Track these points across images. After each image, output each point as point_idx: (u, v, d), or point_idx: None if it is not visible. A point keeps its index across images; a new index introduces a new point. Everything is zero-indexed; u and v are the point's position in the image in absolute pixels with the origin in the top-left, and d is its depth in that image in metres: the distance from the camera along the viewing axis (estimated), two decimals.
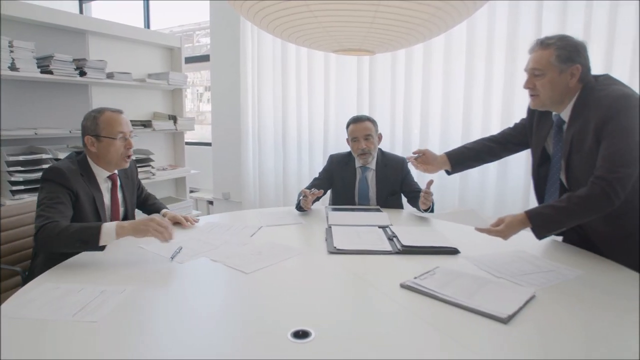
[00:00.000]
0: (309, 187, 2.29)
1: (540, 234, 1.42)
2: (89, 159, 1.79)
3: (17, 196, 2.61)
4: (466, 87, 2.99)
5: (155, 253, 1.58)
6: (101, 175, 1.81)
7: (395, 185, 2.40)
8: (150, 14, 4.88)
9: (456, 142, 3.06)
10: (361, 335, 1.03)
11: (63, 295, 1.21)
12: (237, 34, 3.91)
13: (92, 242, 1.47)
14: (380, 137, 2.44)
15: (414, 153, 1.90)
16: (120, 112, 1.81)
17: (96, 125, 1.74)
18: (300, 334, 1.01)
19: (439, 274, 1.36)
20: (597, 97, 1.42)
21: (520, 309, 1.13)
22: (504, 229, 1.42)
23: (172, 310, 1.16)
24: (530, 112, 1.73)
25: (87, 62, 2.93)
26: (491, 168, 2.90)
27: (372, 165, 2.41)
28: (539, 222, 1.40)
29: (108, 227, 1.48)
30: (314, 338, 1.00)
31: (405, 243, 1.65)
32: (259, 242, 1.75)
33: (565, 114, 1.52)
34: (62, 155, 2.78)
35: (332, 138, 3.57)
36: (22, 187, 2.64)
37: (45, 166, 2.70)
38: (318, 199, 2.40)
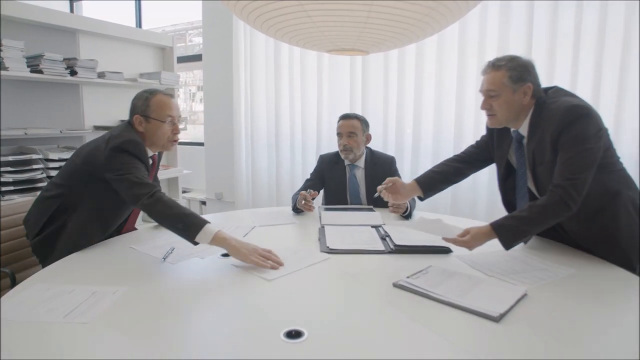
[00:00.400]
0: (303, 189, 2.29)
1: (507, 245, 1.45)
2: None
3: (6, 197, 2.58)
4: (458, 87, 3.01)
5: (147, 254, 1.57)
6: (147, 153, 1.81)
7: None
8: (142, 13, 4.84)
9: (448, 141, 3.08)
10: (354, 335, 1.03)
11: (54, 297, 1.20)
12: (229, 33, 3.90)
13: (191, 232, 1.48)
14: (369, 137, 2.45)
15: (384, 183, 1.88)
16: (172, 96, 1.80)
17: (147, 106, 1.74)
18: (293, 334, 1.01)
19: (432, 273, 1.36)
20: (549, 110, 1.50)
21: (512, 307, 1.14)
22: (469, 239, 1.46)
23: (165, 311, 1.16)
24: (489, 129, 1.79)
25: (77, 62, 2.91)
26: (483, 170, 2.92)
27: (361, 163, 2.43)
28: (503, 233, 1.45)
29: (210, 228, 1.49)
30: (306, 338, 1.00)
31: (397, 242, 1.66)
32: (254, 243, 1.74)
33: (523, 129, 1.59)
34: (52, 156, 2.75)
35: (325, 137, 3.58)
36: (11, 188, 2.61)
37: (35, 166, 2.67)
38: (313, 199, 2.41)
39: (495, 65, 1.56)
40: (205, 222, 1.50)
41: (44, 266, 1.65)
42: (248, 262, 1.45)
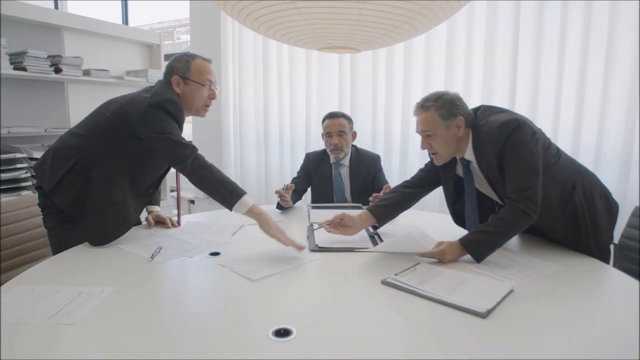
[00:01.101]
0: None
1: (478, 258, 1.47)
2: None
3: None
4: (446, 86, 3.03)
5: (134, 253, 1.56)
6: None
7: (367, 182, 2.42)
8: (128, 10, 4.79)
9: None
10: (342, 333, 1.03)
11: (38, 298, 1.18)
12: (217, 31, 3.87)
13: (231, 199, 1.55)
14: (354, 134, 2.47)
15: (328, 221, 1.74)
16: (210, 61, 1.80)
17: (187, 68, 1.73)
18: (282, 333, 1.01)
19: (420, 271, 1.37)
20: (483, 133, 1.57)
21: (499, 303, 1.15)
22: (445, 249, 1.47)
23: (152, 311, 1.15)
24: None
25: (62, 59, 2.86)
26: None
27: (346, 162, 2.44)
28: (473, 248, 1.47)
29: (247, 200, 1.57)
30: (295, 336, 1.00)
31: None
32: (243, 242, 1.74)
33: (469, 155, 1.63)
34: (37, 155, 2.71)
35: (314, 135, 3.57)
36: None
37: (19, 165, 2.63)
38: (300, 196, 2.41)
39: (424, 107, 1.62)
40: (243, 192, 1.58)
41: (76, 231, 1.65)
42: (273, 237, 1.55)
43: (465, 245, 1.48)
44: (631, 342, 0.99)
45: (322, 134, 2.49)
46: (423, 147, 1.67)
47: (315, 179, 2.48)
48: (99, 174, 1.64)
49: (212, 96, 1.80)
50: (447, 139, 1.60)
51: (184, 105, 1.75)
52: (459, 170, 1.72)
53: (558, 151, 1.64)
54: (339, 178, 2.43)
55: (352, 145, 2.49)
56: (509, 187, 1.51)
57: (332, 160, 2.45)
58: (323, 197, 2.45)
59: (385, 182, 2.41)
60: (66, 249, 1.61)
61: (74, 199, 1.64)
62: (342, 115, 2.43)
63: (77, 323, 1.05)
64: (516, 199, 1.47)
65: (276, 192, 2.19)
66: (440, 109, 1.58)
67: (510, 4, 2.77)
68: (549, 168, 1.55)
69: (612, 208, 1.65)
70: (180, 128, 1.70)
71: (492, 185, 1.61)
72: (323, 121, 2.47)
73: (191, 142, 1.64)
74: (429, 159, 1.97)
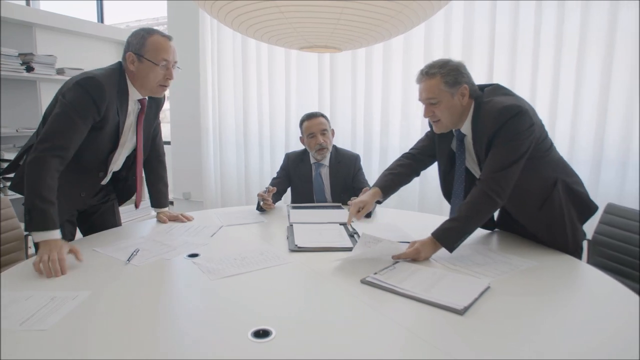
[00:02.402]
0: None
1: (450, 248, 1.49)
2: (126, 77, 1.68)
3: None
4: None
5: (110, 256, 1.53)
6: (133, 96, 1.71)
7: (347, 181, 2.43)
8: (104, 8, 4.69)
9: (415, 139, 3.10)
10: (322, 333, 1.03)
11: (9, 303, 1.15)
12: (196, 29, 3.83)
13: (29, 225, 1.44)
14: (333, 132, 2.47)
15: (352, 210, 1.80)
16: (170, 38, 1.69)
17: (142, 45, 1.63)
18: (261, 334, 1.00)
19: (398, 269, 1.38)
20: (484, 111, 1.56)
21: (476, 300, 1.17)
22: (419, 247, 1.47)
23: (128, 315, 1.12)
24: (431, 128, 1.83)
25: (34, 57, 2.79)
26: None
27: (326, 162, 2.44)
28: (444, 238, 1.48)
29: (45, 235, 1.43)
30: (274, 337, 0.99)
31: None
32: (222, 243, 1.72)
33: (465, 129, 1.64)
34: (8, 156, 2.64)
35: (294, 135, 3.57)
36: None
37: None
38: (280, 197, 2.40)
39: (428, 74, 1.59)
40: (50, 223, 1.44)
41: None
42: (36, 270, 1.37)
43: (437, 236, 1.48)
44: (606, 336, 1.01)
45: (302, 137, 2.46)
46: (426, 115, 1.65)
47: (295, 179, 2.47)
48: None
49: (168, 76, 1.70)
50: (452, 107, 1.58)
51: (138, 84, 1.69)
52: (454, 145, 1.73)
53: (551, 147, 1.64)
54: (319, 178, 2.43)
55: (332, 145, 2.49)
56: (484, 168, 1.52)
57: (312, 160, 2.45)
58: (303, 197, 2.44)
59: (365, 181, 2.42)
60: None
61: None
62: (321, 115, 2.44)
63: (50, 329, 1.03)
64: (483, 181, 1.49)
65: (258, 195, 2.18)
66: (446, 76, 1.56)
67: (487, 4, 2.82)
68: (535, 160, 1.55)
69: (589, 209, 1.66)
70: (99, 111, 1.57)
71: (479, 163, 1.61)
72: (301, 123, 2.44)
73: (56, 148, 1.50)
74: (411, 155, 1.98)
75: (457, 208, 1.53)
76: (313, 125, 2.39)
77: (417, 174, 1.94)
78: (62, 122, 1.53)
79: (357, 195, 2.20)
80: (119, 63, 1.70)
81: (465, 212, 1.49)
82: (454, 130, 1.69)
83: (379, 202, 1.92)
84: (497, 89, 1.63)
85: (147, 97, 1.78)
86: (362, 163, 2.53)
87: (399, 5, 1.44)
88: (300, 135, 2.47)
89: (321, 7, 1.40)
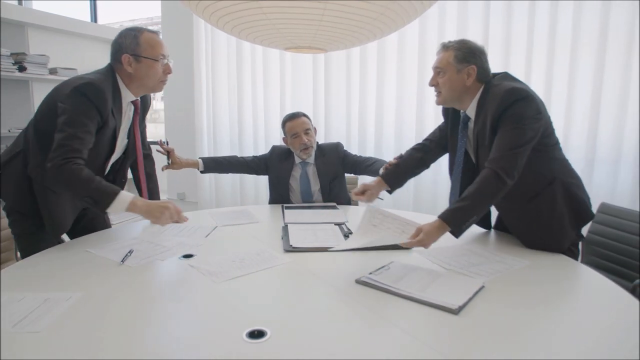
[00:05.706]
0: (246, 160, 2.50)
1: (457, 230, 1.46)
2: (118, 79, 1.66)
3: None
4: (419, 86, 3.07)
5: (104, 257, 1.52)
6: (126, 98, 1.69)
7: (336, 167, 2.41)
8: (97, 7, 4.66)
9: (410, 139, 3.13)
10: (317, 333, 1.03)
11: (1, 305, 1.13)
12: (190, 29, 3.82)
13: (101, 205, 1.45)
14: (315, 130, 2.46)
15: (355, 192, 1.90)
16: (158, 33, 1.69)
17: (137, 44, 1.61)
18: (256, 334, 1.00)
19: (393, 269, 1.38)
20: (491, 94, 1.56)
21: (470, 299, 1.17)
22: (423, 237, 1.42)
23: (122, 316, 1.12)
24: (445, 115, 1.85)
25: (27, 57, 2.77)
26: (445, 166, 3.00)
27: (311, 160, 2.42)
28: (453, 220, 1.44)
29: (123, 197, 1.46)
30: (269, 337, 0.99)
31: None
32: (217, 243, 1.72)
33: (470, 111, 1.65)
34: None
35: None
36: None
37: None
38: (236, 170, 2.54)
39: (445, 46, 1.65)
40: (116, 191, 1.47)
41: (42, 234, 1.63)
42: (161, 224, 1.52)
43: (443, 217, 1.44)
44: (600, 335, 1.02)
45: (285, 138, 2.43)
46: (430, 83, 1.69)
47: (273, 172, 2.45)
48: (35, 164, 1.58)
49: (167, 71, 1.70)
50: (453, 82, 1.60)
51: (137, 84, 1.68)
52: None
53: (555, 145, 1.62)
54: (305, 177, 2.41)
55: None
56: (492, 152, 1.49)
57: (297, 160, 2.42)
58: (278, 192, 2.43)
59: (361, 156, 2.45)
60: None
61: (21, 194, 1.60)
62: (303, 115, 2.42)
63: (43, 331, 1.02)
64: (492, 159, 1.47)
65: (159, 141, 2.26)
66: (457, 50, 1.60)
67: (481, 4, 2.83)
68: (535, 152, 1.52)
69: (585, 216, 1.64)
70: (101, 115, 1.57)
71: (477, 150, 1.61)
72: (284, 124, 2.42)
73: (75, 151, 1.49)
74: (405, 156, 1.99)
75: (465, 191, 1.49)
76: (296, 125, 2.36)
77: (427, 166, 1.94)
78: (73, 125, 1.51)
79: (364, 167, 2.32)
80: (110, 65, 1.68)
81: (473, 194, 1.46)
82: (461, 112, 1.70)
83: (389, 192, 1.96)
84: (507, 76, 1.64)
85: (139, 98, 1.77)
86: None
87: (380, 7, 1.45)
88: (284, 136, 2.45)
89: (303, 8, 1.40)
